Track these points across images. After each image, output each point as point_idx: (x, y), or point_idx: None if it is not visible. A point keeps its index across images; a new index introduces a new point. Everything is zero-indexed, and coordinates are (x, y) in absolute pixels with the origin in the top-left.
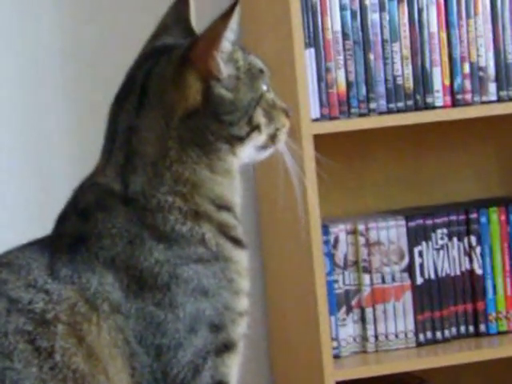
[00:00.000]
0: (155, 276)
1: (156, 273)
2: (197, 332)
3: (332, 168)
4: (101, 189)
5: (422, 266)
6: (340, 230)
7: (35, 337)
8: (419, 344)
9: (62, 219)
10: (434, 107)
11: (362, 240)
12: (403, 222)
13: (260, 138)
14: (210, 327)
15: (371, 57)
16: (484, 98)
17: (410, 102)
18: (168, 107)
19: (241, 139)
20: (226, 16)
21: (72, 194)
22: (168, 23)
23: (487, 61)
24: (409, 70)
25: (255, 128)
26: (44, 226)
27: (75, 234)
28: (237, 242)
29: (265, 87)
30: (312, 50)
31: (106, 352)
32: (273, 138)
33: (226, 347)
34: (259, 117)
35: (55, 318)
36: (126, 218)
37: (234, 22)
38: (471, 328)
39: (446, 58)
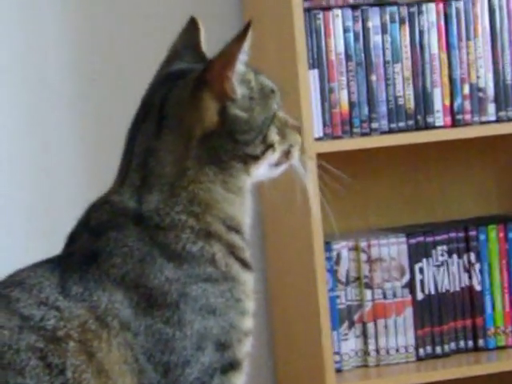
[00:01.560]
0: (165, 294)
1: (165, 291)
2: (204, 350)
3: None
4: (114, 207)
5: (422, 282)
6: (342, 247)
7: (47, 353)
8: (419, 358)
9: (74, 237)
10: (435, 127)
11: (363, 256)
12: (404, 239)
13: (274, 156)
14: (216, 345)
15: (373, 78)
16: (483, 119)
17: (411, 122)
18: (186, 129)
19: (256, 158)
20: (239, 38)
21: (84, 213)
22: (179, 49)
23: (486, 82)
24: (410, 91)
25: (270, 146)
26: (48, 249)
27: (86, 251)
28: (244, 263)
29: (276, 106)
30: (316, 70)
31: (115, 368)
32: (287, 155)
33: (232, 365)
34: (273, 135)
35: (66, 335)
36: (137, 236)
37: (247, 44)
38: (470, 343)
39: (446, 79)
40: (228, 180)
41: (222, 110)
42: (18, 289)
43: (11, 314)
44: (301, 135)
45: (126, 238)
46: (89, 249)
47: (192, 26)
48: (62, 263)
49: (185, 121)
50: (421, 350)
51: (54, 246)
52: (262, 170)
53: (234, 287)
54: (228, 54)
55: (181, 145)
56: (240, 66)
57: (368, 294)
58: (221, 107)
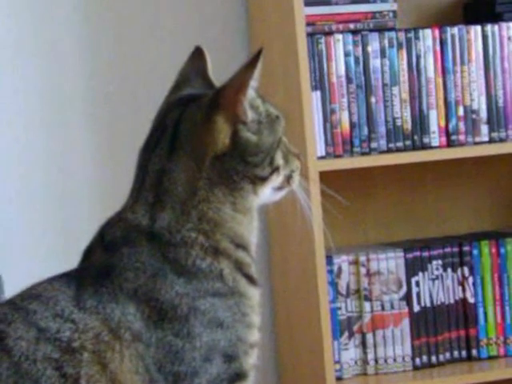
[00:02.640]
0: (175, 308)
1: (176, 305)
2: (212, 361)
3: (335, 203)
4: (127, 224)
5: (418, 294)
6: (343, 261)
7: (62, 364)
8: (416, 367)
9: (89, 252)
10: (431, 147)
11: (363, 270)
12: (401, 254)
13: (278, 179)
14: (224, 357)
15: (373, 100)
16: (477, 139)
17: (409, 142)
18: (199, 150)
19: (263, 179)
20: (251, 64)
21: (98, 230)
22: (188, 76)
23: (480, 104)
24: (407, 113)
25: (276, 169)
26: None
27: (101, 266)
28: (251, 279)
29: (281, 132)
30: (318, 92)
31: (127, 378)
32: (288, 180)
33: (238, 376)
34: (279, 159)
35: (81, 347)
36: (149, 252)
37: (257, 71)
38: (464, 353)
39: (441, 102)
40: (237, 201)
41: (233, 133)
42: (36, 301)
43: (29, 326)
44: (301, 162)
45: (138, 254)
46: (103, 264)
47: (198, 55)
48: (77, 277)
49: (197, 142)
50: (417, 360)
51: (69, 263)
52: (267, 192)
53: (240, 302)
54: (241, 79)
55: (193, 165)
56: (251, 90)
57: (367, 305)
58: (233, 130)
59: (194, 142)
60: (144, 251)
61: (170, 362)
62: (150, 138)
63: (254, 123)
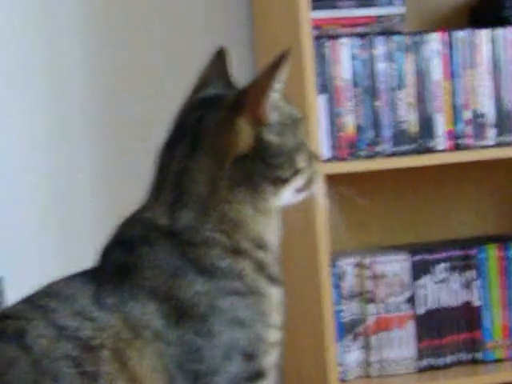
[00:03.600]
0: (195, 306)
1: (195, 303)
2: (231, 360)
3: (341, 205)
4: (147, 223)
5: (423, 297)
6: (347, 264)
7: (81, 362)
8: (420, 370)
9: (107, 251)
10: (437, 151)
11: (367, 273)
12: (407, 257)
13: (299, 181)
14: (243, 356)
15: (378, 103)
16: (483, 143)
17: (414, 146)
18: (220, 151)
19: (284, 181)
20: (275, 66)
21: (116, 228)
22: (209, 76)
23: (487, 108)
24: (413, 116)
25: (297, 171)
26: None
27: (120, 264)
28: (272, 278)
29: (303, 134)
30: (324, 96)
31: (147, 376)
32: (309, 182)
33: (258, 375)
34: (300, 161)
35: (101, 345)
36: (169, 251)
37: (283, 72)
38: (469, 355)
39: (448, 105)
40: (258, 202)
41: (255, 135)
42: (55, 299)
43: (48, 324)
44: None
45: (158, 253)
46: (122, 262)
47: (220, 55)
48: (96, 275)
49: (219, 143)
50: (421, 362)
51: (70, 264)
52: (288, 194)
53: (260, 301)
54: (264, 82)
55: (214, 166)
56: (274, 93)
57: (371, 308)
58: (255, 132)
59: (216, 142)
60: (164, 250)
61: (189, 360)
62: (171, 138)
63: (277, 125)
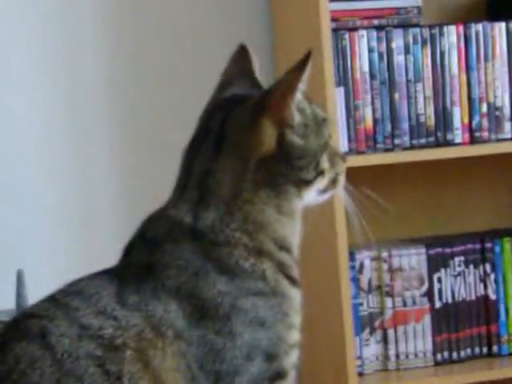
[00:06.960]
0: (217, 306)
1: (218, 303)
2: (253, 360)
3: (359, 199)
4: (170, 221)
5: (440, 291)
6: (365, 257)
7: (105, 361)
8: (437, 363)
9: (130, 249)
10: (454, 144)
11: (385, 266)
12: (424, 250)
13: (323, 182)
14: (265, 356)
15: (396, 96)
16: (500, 136)
17: (432, 139)
18: (244, 152)
19: (308, 183)
20: (300, 67)
21: (140, 226)
22: (233, 75)
23: (503, 101)
24: (431, 109)
25: (321, 173)
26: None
27: (142, 263)
28: (293, 280)
29: (327, 135)
30: (342, 88)
31: (169, 376)
32: (333, 182)
33: (279, 375)
34: (324, 162)
35: (123, 344)
36: (192, 250)
37: (306, 74)
38: (485, 349)
39: (465, 98)
40: (281, 203)
41: (280, 136)
42: (78, 298)
43: (71, 323)
44: (345, 163)
45: (181, 252)
46: (145, 260)
47: (242, 53)
48: (118, 274)
49: (243, 144)
50: (438, 356)
51: (90, 258)
52: (311, 195)
53: (282, 302)
54: (289, 83)
55: (238, 167)
56: (298, 94)
57: (389, 301)
58: (279, 133)
59: (240, 143)
60: (186, 249)
61: (211, 360)
62: (196, 138)
63: (301, 126)
